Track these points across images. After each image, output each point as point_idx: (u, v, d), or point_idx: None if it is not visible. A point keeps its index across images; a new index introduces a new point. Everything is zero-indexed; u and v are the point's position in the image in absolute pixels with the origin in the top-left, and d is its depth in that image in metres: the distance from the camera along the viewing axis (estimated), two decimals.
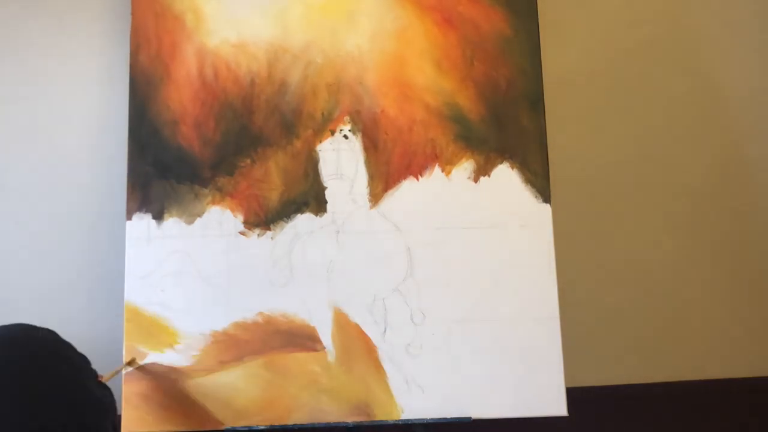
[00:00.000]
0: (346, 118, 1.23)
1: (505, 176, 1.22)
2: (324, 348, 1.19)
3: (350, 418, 1.17)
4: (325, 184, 1.22)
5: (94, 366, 0.97)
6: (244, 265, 1.21)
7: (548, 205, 1.22)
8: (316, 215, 1.22)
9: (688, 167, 1.43)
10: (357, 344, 1.19)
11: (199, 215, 1.22)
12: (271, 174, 1.22)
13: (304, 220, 1.22)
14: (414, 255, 1.21)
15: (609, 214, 1.42)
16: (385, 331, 1.19)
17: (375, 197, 1.22)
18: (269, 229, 1.22)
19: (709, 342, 1.43)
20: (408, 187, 1.22)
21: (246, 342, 1.19)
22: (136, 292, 1.19)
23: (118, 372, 1.10)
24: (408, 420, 1.17)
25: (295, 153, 1.23)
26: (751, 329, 1.44)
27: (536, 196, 1.22)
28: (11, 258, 1.36)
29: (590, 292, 1.41)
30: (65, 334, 0.97)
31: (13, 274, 1.36)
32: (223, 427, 1.16)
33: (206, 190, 1.22)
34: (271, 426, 1.16)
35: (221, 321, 1.19)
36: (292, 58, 1.24)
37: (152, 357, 1.18)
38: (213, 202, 1.22)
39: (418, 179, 1.22)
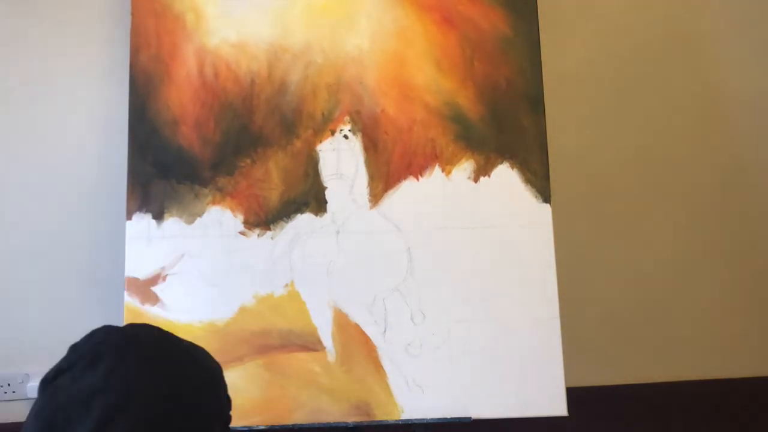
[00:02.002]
0: (346, 118, 1.23)
1: (505, 176, 1.22)
2: (324, 348, 1.19)
3: (350, 418, 1.17)
4: (325, 184, 1.22)
5: None
6: (244, 265, 1.21)
7: (548, 205, 1.22)
8: (316, 215, 1.22)
9: (688, 167, 1.43)
10: (357, 344, 1.19)
11: (199, 215, 1.22)
12: (271, 174, 1.22)
13: (304, 220, 1.22)
14: (414, 255, 1.21)
15: (609, 214, 1.42)
16: (385, 331, 1.19)
17: (375, 197, 1.22)
18: (269, 229, 1.22)
19: (709, 342, 1.43)
20: (408, 187, 1.22)
21: (246, 342, 1.19)
22: (136, 292, 1.19)
23: None
24: (408, 420, 1.17)
25: (295, 153, 1.23)
26: (751, 329, 1.44)
27: (536, 196, 1.22)
28: (11, 258, 1.36)
29: (590, 292, 1.41)
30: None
31: (14, 273, 1.36)
32: None
33: (206, 190, 1.22)
34: (271, 426, 1.16)
35: (221, 321, 1.19)
36: (292, 58, 1.24)
37: None
38: (213, 202, 1.22)
39: (418, 179, 1.22)
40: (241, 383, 1.18)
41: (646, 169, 1.43)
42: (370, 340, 1.19)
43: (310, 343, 1.19)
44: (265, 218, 1.22)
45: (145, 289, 1.20)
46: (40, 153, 1.36)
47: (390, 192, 1.22)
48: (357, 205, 1.22)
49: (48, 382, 0.59)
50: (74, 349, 0.61)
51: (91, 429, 0.54)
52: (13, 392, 1.36)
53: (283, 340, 1.19)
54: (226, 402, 0.69)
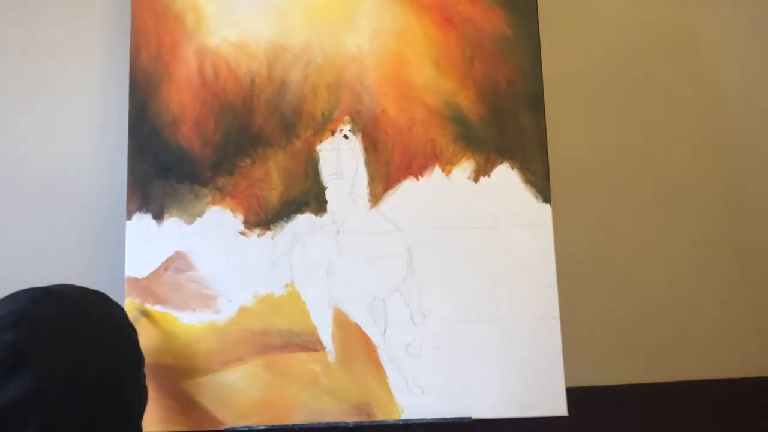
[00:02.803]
0: (346, 118, 1.23)
1: (505, 176, 1.22)
2: (324, 348, 1.19)
3: (350, 418, 1.17)
4: (325, 184, 1.22)
5: None
6: (244, 265, 1.21)
7: (548, 205, 1.22)
8: (316, 215, 1.22)
9: (688, 167, 1.43)
10: (357, 344, 1.19)
11: (199, 215, 1.22)
12: (271, 174, 1.22)
13: (304, 220, 1.22)
14: (414, 255, 1.21)
15: (609, 214, 1.42)
16: (385, 331, 1.19)
17: (375, 197, 1.22)
18: (269, 229, 1.22)
19: (709, 342, 1.43)
20: (408, 187, 1.22)
21: (246, 342, 1.19)
22: (136, 292, 1.19)
23: None
24: (408, 420, 1.17)
25: (295, 153, 1.23)
26: (751, 329, 1.44)
27: (536, 196, 1.22)
28: (11, 258, 1.36)
29: (590, 292, 1.41)
30: None
31: (14, 273, 1.36)
32: (223, 427, 1.16)
33: (206, 190, 1.22)
34: (271, 426, 1.16)
35: (221, 321, 1.19)
36: (292, 57, 1.24)
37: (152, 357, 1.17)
38: (213, 202, 1.22)
39: (418, 179, 1.22)
40: (241, 383, 1.18)
41: (646, 169, 1.43)
42: (370, 340, 1.19)
43: (310, 343, 1.19)
44: (265, 218, 1.22)
45: (145, 289, 1.20)
46: (39, 153, 1.36)
47: (390, 192, 1.22)
48: (357, 205, 1.22)
49: None
50: None
51: None
52: None
53: (283, 340, 1.19)
54: (144, 380, 0.67)
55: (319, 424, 1.17)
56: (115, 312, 0.67)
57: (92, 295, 0.67)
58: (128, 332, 0.66)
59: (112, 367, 0.60)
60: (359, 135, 1.23)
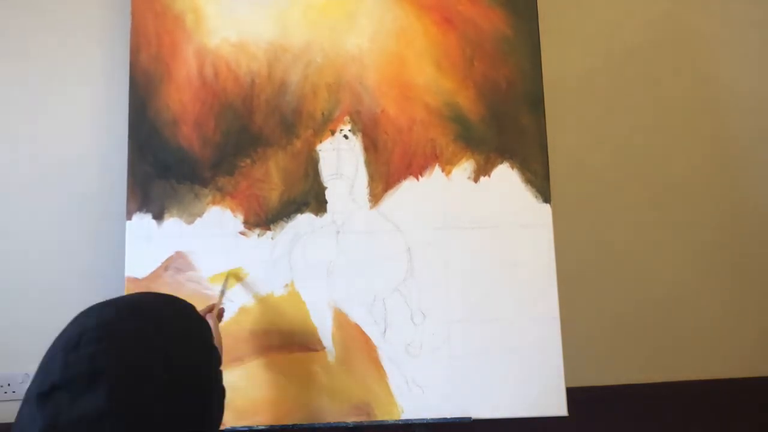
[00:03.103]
0: (346, 118, 1.23)
1: (505, 176, 1.22)
2: (324, 348, 1.19)
3: (350, 418, 1.17)
4: (325, 184, 1.22)
5: None
6: (244, 265, 1.21)
7: (548, 205, 1.22)
8: (316, 215, 1.22)
9: (688, 167, 1.43)
10: (357, 344, 1.19)
11: (199, 215, 1.22)
12: (271, 174, 1.22)
13: (304, 220, 1.22)
14: (414, 255, 1.21)
15: (609, 214, 1.42)
16: (385, 331, 1.19)
17: (375, 197, 1.22)
18: (269, 229, 1.22)
19: (709, 342, 1.43)
20: (408, 187, 1.22)
21: (246, 342, 1.19)
22: (136, 292, 1.19)
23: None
24: (408, 420, 1.17)
25: (295, 153, 1.23)
26: (751, 329, 1.44)
27: (536, 196, 1.22)
28: (11, 257, 1.36)
29: (590, 292, 1.41)
30: None
31: (14, 273, 1.36)
32: (223, 427, 1.16)
33: (206, 190, 1.22)
34: (271, 426, 1.16)
35: (221, 321, 1.19)
36: (292, 57, 1.24)
37: None
38: (213, 202, 1.22)
39: (418, 179, 1.22)
40: (241, 383, 1.18)
41: (646, 169, 1.43)
42: (370, 340, 1.19)
43: (310, 343, 1.19)
44: (265, 218, 1.22)
45: (145, 289, 1.20)
46: (40, 153, 1.36)
47: (390, 192, 1.22)
48: (357, 205, 1.22)
49: (45, 396, 0.57)
50: (65, 364, 0.58)
51: None
52: (13, 392, 1.36)
53: (283, 340, 1.19)
54: (218, 359, 0.67)
55: (319, 424, 1.17)
56: (195, 328, 0.67)
57: (177, 309, 0.69)
58: (206, 351, 0.67)
59: (188, 386, 0.61)
60: (359, 135, 1.23)
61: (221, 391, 0.70)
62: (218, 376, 0.69)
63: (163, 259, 1.21)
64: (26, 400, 0.59)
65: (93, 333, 0.61)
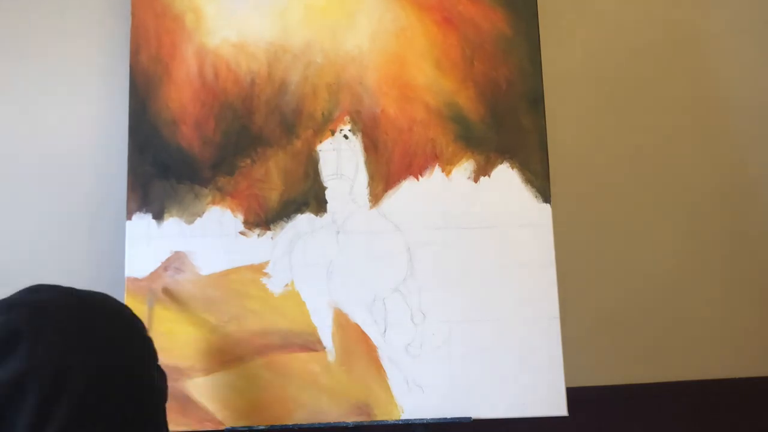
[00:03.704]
0: (346, 118, 1.23)
1: (505, 176, 1.22)
2: (324, 348, 1.19)
3: (350, 418, 1.17)
4: (325, 184, 1.22)
5: None
6: (244, 265, 1.21)
7: (548, 205, 1.22)
8: (316, 215, 1.22)
9: (688, 167, 1.43)
10: (357, 344, 1.19)
11: (199, 215, 1.22)
12: (271, 174, 1.22)
13: (304, 220, 1.22)
14: (414, 255, 1.21)
15: (609, 214, 1.42)
16: (385, 331, 1.19)
17: (375, 197, 1.22)
18: (269, 229, 1.22)
19: (709, 342, 1.43)
20: (408, 187, 1.22)
21: (246, 342, 1.19)
22: (136, 292, 1.19)
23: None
24: (408, 420, 1.17)
25: (295, 153, 1.23)
26: (751, 329, 1.44)
27: (536, 196, 1.22)
28: (11, 258, 1.36)
29: (590, 292, 1.41)
30: None
31: (13, 273, 1.36)
32: (223, 427, 1.16)
33: (206, 190, 1.22)
34: (271, 426, 1.16)
35: (221, 321, 1.19)
36: (292, 58, 1.24)
37: None
38: (213, 202, 1.22)
39: (418, 179, 1.22)
40: (241, 383, 1.18)
41: (646, 169, 1.43)
42: (370, 340, 1.19)
43: (310, 343, 1.19)
44: (265, 218, 1.22)
45: (145, 289, 1.20)
46: (39, 153, 1.36)
47: (390, 192, 1.22)
48: (357, 205, 1.22)
49: None
50: None
51: (32, 420, 0.52)
52: None
53: (283, 340, 1.19)
54: (155, 373, 0.65)
55: (319, 424, 1.17)
56: (116, 302, 0.65)
57: (91, 291, 0.67)
58: (129, 320, 0.65)
59: (113, 351, 0.59)
60: (359, 135, 1.23)
61: (151, 354, 0.66)
62: (146, 343, 0.66)
63: (163, 259, 1.21)
64: None
65: (6, 303, 0.59)
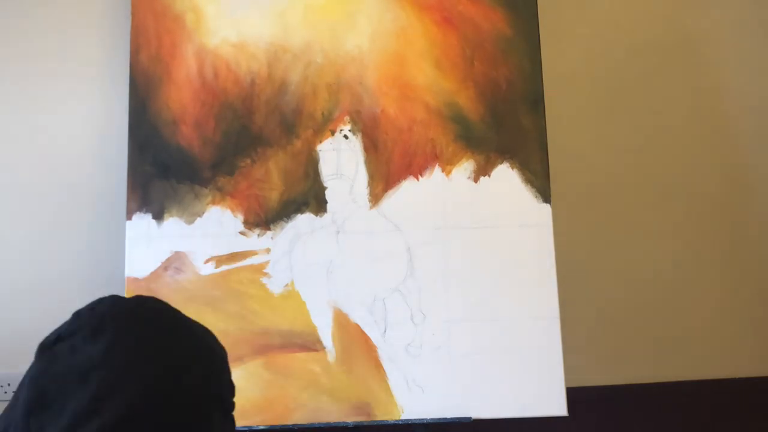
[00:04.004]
0: (346, 118, 1.23)
1: (505, 176, 1.22)
2: (324, 348, 1.19)
3: (350, 418, 1.17)
4: (325, 184, 1.22)
5: None
6: (243, 265, 1.21)
7: (548, 205, 1.22)
8: (316, 215, 1.22)
9: (688, 167, 1.43)
10: (357, 344, 1.19)
11: (199, 215, 1.22)
12: (271, 174, 1.22)
13: (304, 220, 1.22)
14: (414, 255, 1.21)
15: (609, 214, 1.42)
16: (385, 331, 1.19)
17: (375, 197, 1.22)
18: (269, 229, 1.22)
19: (709, 342, 1.43)
20: (408, 187, 1.22)
21: (246, 342, 1.19)
22: (136, 292, 1.19)
23: None
24: (408, 420, 1.17)
25: (295, 153, 1.23)
26: (751, 329, 1.44)
27: (536, 196, 1.22)
28: (11, 258, 1.36)
29: (590, 292, 1.41)
30: None
31: (13, 273, 1.36)
32: None
33: (206, 190, 1.22)
34: (271, 426, 1.16)
35: (221, 321, 1.19)
36: (292, 58, 1.24)
37: None
38: (213, 202, 1.22)
39: (418, 179, 1.22)
40: (241, 383, 1.17)
41: (646, 169, 1.43)
42: (370, 340, 1.19)
43: (310, 343, 1.19)
44: (265, 218, 1.22)
45: (145, 289, 1.20)
46: (40, 153, 1.36)
47: (390, 192, 1.22)
48: (357, 205, 1.22)
49: (46, 347, 0.58)
50: (77, 316, 0.59)
51: (85, 404, 0.53)
52: (14, 392, 1.36)
53: (283, 340, 1.19)
54: (229, 387, 0.67)
55: (319, 424, 1.17)
56: (199, 326, 0.68)
57: (182, 319, 0.70)
58: (217, 356, 0.68)
59: (181, 366, 0.61)
60: (359, 135, 1.23)
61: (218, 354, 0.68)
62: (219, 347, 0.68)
63: (163, 259, 1.21)
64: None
65: (109, 299, 0.62)
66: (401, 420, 1.17)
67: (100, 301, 0.62)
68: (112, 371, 0.55)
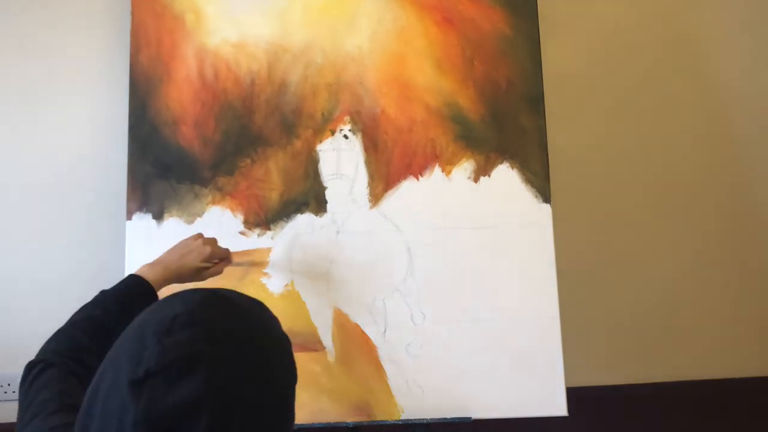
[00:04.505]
0: (346, 118, 1.23)
1: (505, 176, 1.22)
2: (324, 348, 1.19)
3: (350, 418, 1.17)
4: (325, 184, 1.22)
5: None
6: (243, 265, 1.21)
7: (548, 205, 1.22)
8: (316, 215, 1.22)
9: (687, 167, 1.43)
10: (357, 344, 1.19)
11: (199, 215, 1.22)
12: (271, 174, 1.22)
13: (304, 220, 1.22)
14: (414, 255, 1.21)
15: (609, 214, 1.42)
16: (385, 331, 1.19)
17: (375, 197, 1.22)
18: (269, 229, 1.22)
19: (709, 342, 1.43)
20: (408, 187, 1.22)
21: None
22: None
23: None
24: (408, 420, 1.17)
25: (295, 153, 1.23)
26: (751, 329, 1.44)
27: (536, 196, 1.22)
28: (12, 257, 1.36)
29: (590, 292, 1.41)
30: None
31: (14, 273, 1.36)
32: None
33: (206, 190, 1.22)
34: None
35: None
36: (292, 58, 1.24)
37: None
38: (213, 202, 1.22)
39: (418, 179, 1.22)
40: None
41: (646, 169, 1.43)
42: (370, 340, 1.19)
43: (310, 343, 1.19)
44: (265, 218, 1.22)
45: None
46: (40, 153, 1.36)
47: (390, 192, 1.22)
48: (357, 205, 1.22)
49: (138, 384, 0.54)
50: (161, 349, 0.56)
51: None
52: (14, 392, 1.36)
53: None
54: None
55: (319, 424, 1.17)
56: (276, 324, 0.67)
57: (256, 303, 0.69)
58: (288, 346, 0.67)
59: (280, 382, 0.61)
60: (359, 135, 1.23)
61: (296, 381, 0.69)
62: (295, 372, 0.68)
63: None
64: (112, 390, 0.56)
65: (186, 317, 0.59)
66: (401, 420, 1.17)
67: (175, 317, 0.58)
68: (218, 403, 0.55)
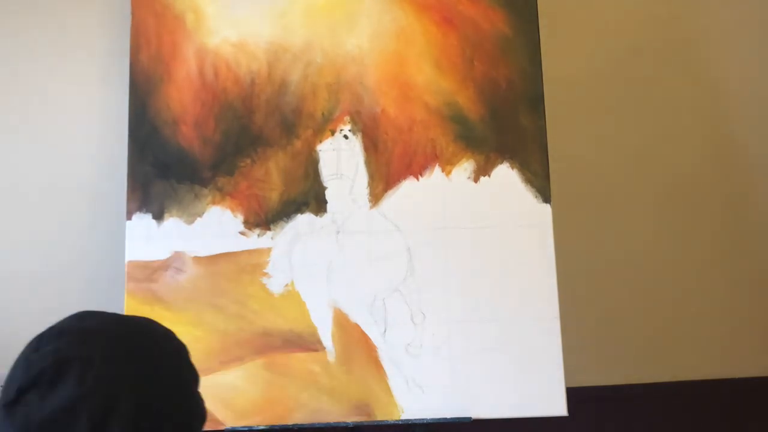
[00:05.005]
0: (346, 118, 1.23)
1: (505, 176, 1.22)
2: (324, 348, 1.19)
3: (350, 418, 1.17)
4: (325, 184, 1.22)
5: None
6: (244, 266, 1.21)
7: (548, 205, 1.22)
8: (316, 215, 1.22)
9: (687, 167, 1.43)
10: (357, 344, 1.19)
11: (199, 215, 1.22)
12: (271, 174, 1.22)
13: (304, 220, 1.22)
14: (414, 255, 1.21)
15: (609, 214, 1.42)
16: (385, 331, 1.19)
17: (375, 197, 1.22)
18: (269, 229, 1.22)
19: (709, 342, 1.43)
20: (408, 187, 1.22)
21: (246, 342, 1.19)
22: (136, 292, 1.19)
23: None
24: (408, 420, 1.17)
25: (295, 153, 1.23)
26: (751, 329, 1.44)
27: (536, 196, 1.22)
28: (12, 257, 1.36)
29: (590, 292, 1.41)
30: None
31: (14, 273, 1.36)
32: (223, 427, 1.16)
33: (206, 190, 1.22)
34: (271, 426, 1.16)
35: (221, 321, 1.19)
36: (292, 57, 1.24)
37: None
38: (213, 202, 1.22)
39: (418, 179, 1.22)
40: (241, 383, 1.18)
41: (646, 169, 1.43)
42: (370, 340, 1.19)
43: (310, 343, 1.19)
44: (265, 218, 1.22)
45: (145, 288, 1.20)
46: (40, 153, 1.36)
47: (390, 192, 1.22)
48: (357, 205, 1.22)
49: (13, 404, 0.55)
50: (27, 365, 0.56)
51: None
52: None
53: (283, 340, 1.19)
54: (200, 397, 0.66)
55: (319, 424, 1.17)
56: (161, 328, 0.66)
57: (141, 317, 0.68)
58: (176, 345, 0.66)
59: (161, 378, 0.60)
60: (359, 135, 1.23)
61: (196, 379, 0.68)
62: (192, 370, 0.67)
63: (163, 259, 1.21)
64: None
65: (51, 332, 0.59)
66: (401, 420, 1.17)
67: (41, 337, 0.59)
68: (96, 399, 0.54)
